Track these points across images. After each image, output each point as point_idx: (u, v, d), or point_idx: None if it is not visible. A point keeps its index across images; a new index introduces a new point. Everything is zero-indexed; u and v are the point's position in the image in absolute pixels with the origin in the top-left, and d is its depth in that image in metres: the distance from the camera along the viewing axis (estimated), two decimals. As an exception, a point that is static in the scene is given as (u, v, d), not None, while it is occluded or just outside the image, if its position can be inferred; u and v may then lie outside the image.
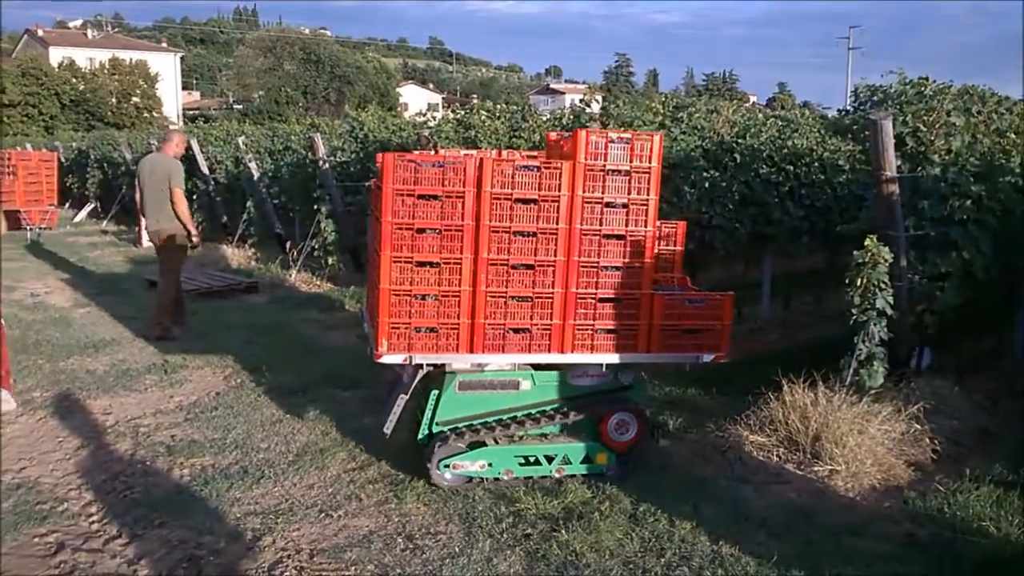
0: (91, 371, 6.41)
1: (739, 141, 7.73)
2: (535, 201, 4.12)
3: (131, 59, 51.67)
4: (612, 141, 4.16)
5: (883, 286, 4.96)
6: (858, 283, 4.98)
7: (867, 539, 3.86)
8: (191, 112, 62.47)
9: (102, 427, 5.22)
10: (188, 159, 13.79)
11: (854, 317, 5.01)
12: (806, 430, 4.74)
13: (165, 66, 57.25)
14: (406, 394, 4.31)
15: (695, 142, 7.63)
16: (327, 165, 10.18)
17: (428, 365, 4.24)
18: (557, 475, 4.37)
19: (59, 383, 6.10)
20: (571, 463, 4.40)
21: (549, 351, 4.27)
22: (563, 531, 3.80)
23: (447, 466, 4.26)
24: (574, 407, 4.41)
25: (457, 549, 3.70)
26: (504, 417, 4.36)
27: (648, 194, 4.24)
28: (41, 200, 15.36)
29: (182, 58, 68.64)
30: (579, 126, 7.17)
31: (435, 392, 4.32)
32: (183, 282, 8.53)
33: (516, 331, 4.22)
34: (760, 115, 9.35)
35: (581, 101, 7.42)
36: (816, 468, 4.53)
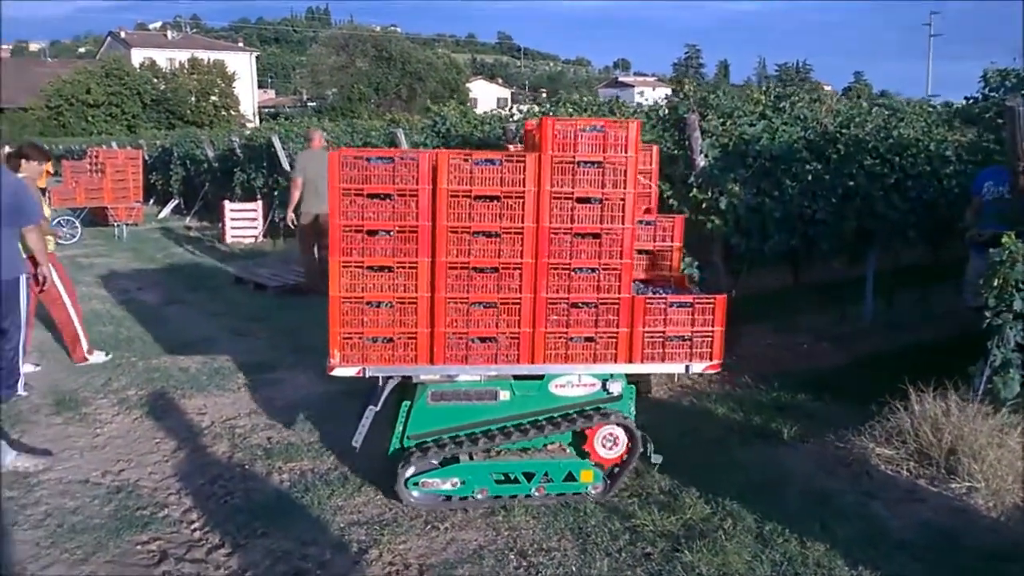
0: (184, 369, 6.39)
1: (843, 131, 7.33)
2: (497, 198, 3.79)
3: (209, 59, 52.89)
4: (583, 130, 3.82)
5: (1021, 286, 4.56)
6: (994, 283, 4.58)
7: (1020, 565, 3.51)
8: (267, 110, 63.70)
9: (198, 428, 5.16)
10: (270, 155, 13.92)
11: (987, 320, 4.62)
12: (939, 443, 4.38)
13: (241, 65, 58.42)
14: (376, 406, 4.03)
15: (797, 133, 7.26)
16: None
17: (387, 377, 3.98)
18: (537, 494, 4.03)
19: (153, 381, 6.09)
20: (553, 481, 4.05)
21: (518, 362, 3.93)
22: (686, 551, 3.54)
23: (415, 484, 3.97)
24: (557, 419, 4.06)
25: (574, 568, 3.48)
26: (481, 430, 4.04)
27: (625, 187, 3.87)
28: (128, 197, 15.67)
29: (257, 57, 69.94)
30: (676, 117, 6.87)
31: (406, 403, 4.04)
32: (270, 278, 8.51)
33: (482, 340, 3.89)
34: (864, 103, 8.89)
35: (679, 91, 7.10)
36: (952, 485, 4.17)
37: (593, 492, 4.09)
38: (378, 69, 56.54)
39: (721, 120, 6.94)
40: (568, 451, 4.17)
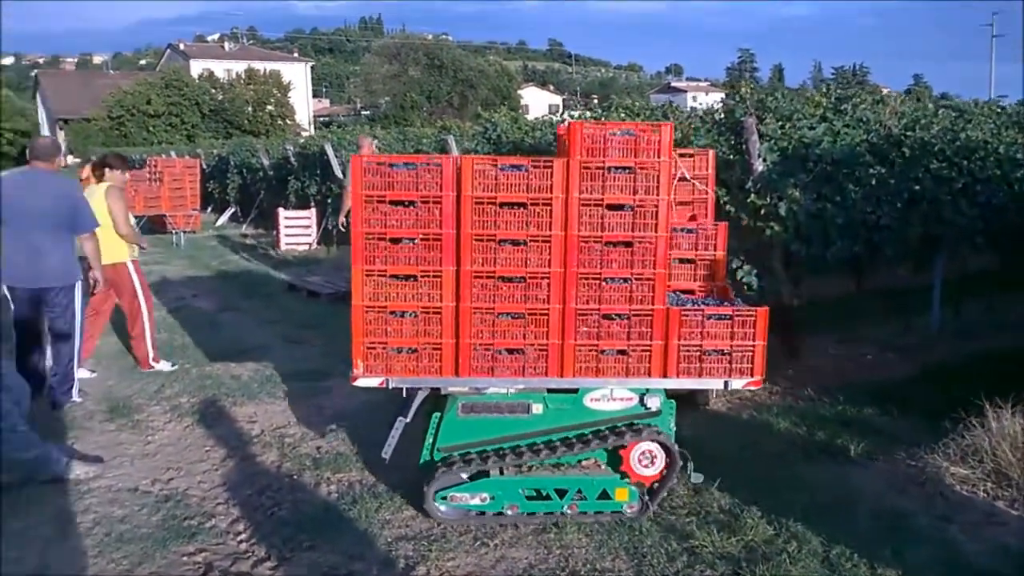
0: (236, 376, 6.39)
1: (908, 134, 7.04)
2: (524, 205, 3.66)
3: (265, 69, 53.79)
4: (612, 134, 3.64)
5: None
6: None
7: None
8: (321, 118, 64.60)
9: (248, 436, 5.13)
10: (323, 163, 14.01)
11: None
12: (1019, 462, 4.12)
13: (297, 75, 59.31)
14: (406, 417, 3.94)
15: (860, 136, 7.00)
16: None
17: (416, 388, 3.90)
18: (569, 512, 3.87)
19: (205, 388, 6.09)
20: (586, 498, 3.87)
21: (547, 374, 3.78)
22: (748, 575, 3.37)
23: (444, 498, 3.87)
24: (592, 435, 3.87)
25: (629, 591, 3.34)
26: (513, 444, 3.88)
27: (658, 193, 3.69)
28: (185, 205, 15.93)
29: (312, 67, 71.02)
30: (733, 120, 6.68)
31: (437, 415, 3.92)
32: (323, 285, 8.51)
33: (509, 352, 3.77)
34: (930, 105, 8.56)
35: (734, 94, 6.91)
36: (1034, 507, 3.93)
37: (629, 511, 3.91)
38: (430, 77, 56.92)
39: (780, 123, 6.72)
40: (604, 468, 3.98)
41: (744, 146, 6.43)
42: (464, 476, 3.86)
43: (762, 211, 6.29)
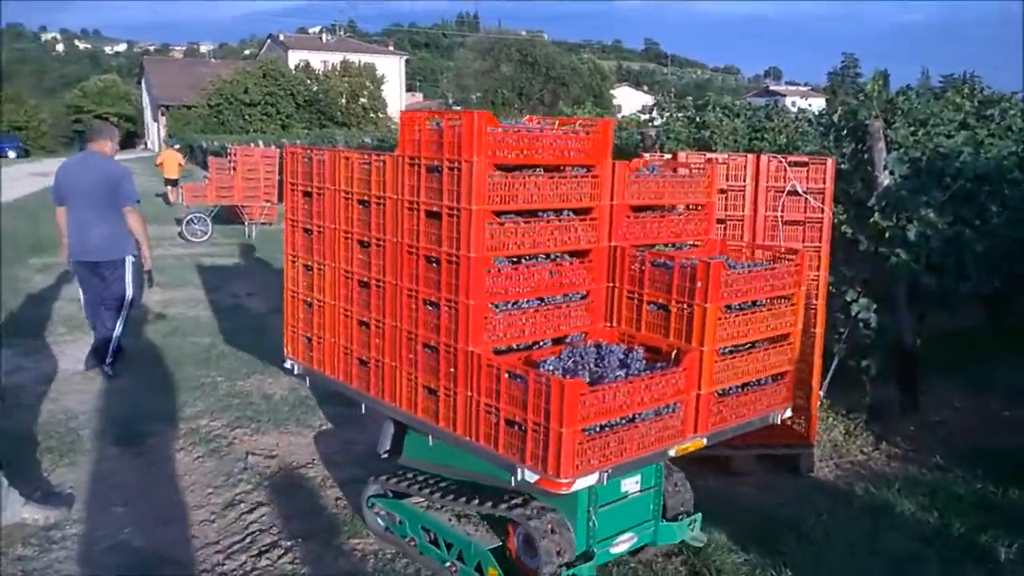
0: (267, 396, 5.71)
1: (1067, 147, 5.88)
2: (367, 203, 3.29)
3: (360, 61, 54.09)
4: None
5: None
6: None
7: None
8: (413, 112, 64.64)
9: (261, 476, 4.41)
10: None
11: None
12: None
13: (391, 68, 59.55)
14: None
15: (1008, 147, 5.86)
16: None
17: None
18: (452, 570, 3.33)
19: (231, 409, 5.43)
20: (465, 563, 3.26)
21: (383, 397, 3.31)
22: None
23: (372, 505, 3.74)
24: (493, 497, 3.18)
25: None
26: (444, 477, 3.46)
27: (470, 201, 2.87)
28: (258, 196, 15.53)
29: (407, 61, 71.29)
30: (855, 123, 5.63)
31: None
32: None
33: (361, 362, 3.45)
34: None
35: (862, 94, 5.84)
36: None
37: None
38: (522, 74, 56.32)
39: (912, 129, 5.64)
40: (492, 538, 3.29)
41: (867, 155, 5.39)
42: (389, 491, 3.65)
43: (886, 234, 5.25)
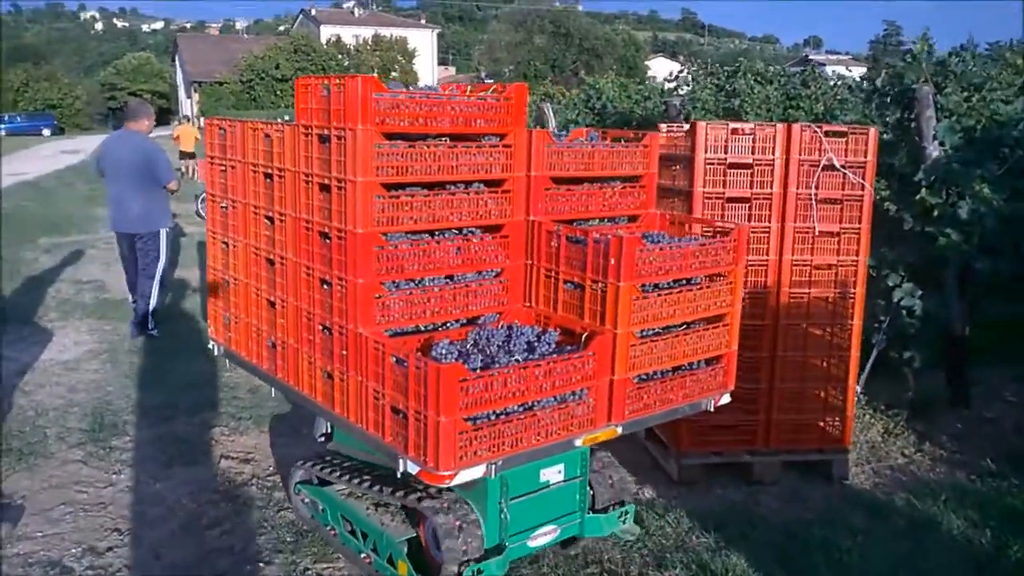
0: (254, 389, 5.27)
1: None
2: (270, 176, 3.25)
3: (392, 35, 53.57)
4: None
5: None
6: None
7: None
8: (445, 86, 64.10)
9: (233, 484, 4.01)
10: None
11: None
12: None
13: (423, 42, 58.90)
14: None
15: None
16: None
17: None
18: (366, 562, 3.15)
19: (214, 404, 5.04)
20: (379, 554, 3.08)
21: (289, 381, 3.07)
22: None
23: (299, 491, 3.57)
24: (405, 487, 2.96)
25: None
26: (364, 463, 3.27)
27: (355, 173, 2.53)
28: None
29: (440, 35, 70.55)
30: (901, 88, 5.04)
31: None
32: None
33: (272, 345, 3.22)
34: None
35: (909, 55, 5.19)
36: None
37: None
38: (555, 46, 55.39)
39: (965, 95, 5.02)
40: (406, 530, 3.08)
41: (914, 124, 4.80)
42: (314, 478, 3.47)
43: (935, 212, 4.67)
